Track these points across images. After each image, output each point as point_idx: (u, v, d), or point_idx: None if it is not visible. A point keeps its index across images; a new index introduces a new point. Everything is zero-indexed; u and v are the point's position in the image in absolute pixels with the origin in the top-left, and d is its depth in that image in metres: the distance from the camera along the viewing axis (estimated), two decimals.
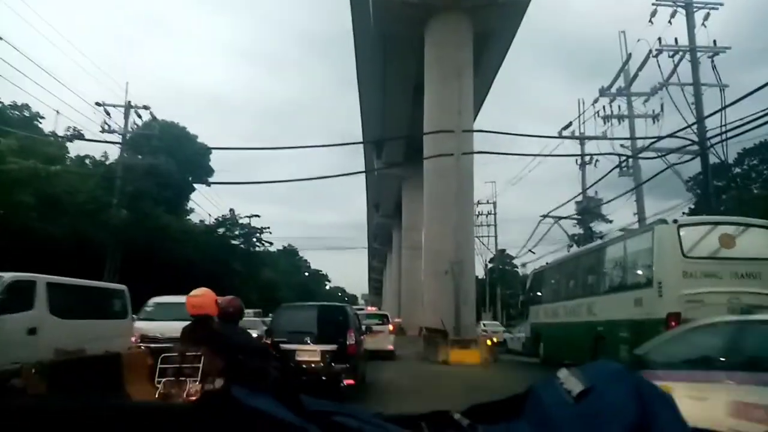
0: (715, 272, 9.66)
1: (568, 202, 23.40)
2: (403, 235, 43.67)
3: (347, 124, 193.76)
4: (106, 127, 25.87)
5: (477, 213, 34.10)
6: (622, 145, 22.44)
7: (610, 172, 21.82)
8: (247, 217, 38.15)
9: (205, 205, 54.45)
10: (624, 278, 11.93)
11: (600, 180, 23.51)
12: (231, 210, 38.57)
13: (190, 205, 41.74)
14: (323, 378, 8.74)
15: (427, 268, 19.57)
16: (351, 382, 9.00)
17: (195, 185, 41.11)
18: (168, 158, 36.83)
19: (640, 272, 11.17)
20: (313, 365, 8.78)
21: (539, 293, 18.00)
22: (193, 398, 4.27)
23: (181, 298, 6.50)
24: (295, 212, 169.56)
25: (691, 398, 4.06)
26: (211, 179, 42.63)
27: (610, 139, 23.23)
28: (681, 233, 10.01)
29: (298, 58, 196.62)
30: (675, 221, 10.53)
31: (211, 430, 0.91)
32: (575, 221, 27.03)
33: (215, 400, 0.96)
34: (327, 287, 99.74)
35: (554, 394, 1.18)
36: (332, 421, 0.98)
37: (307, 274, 80.00)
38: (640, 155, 19.62)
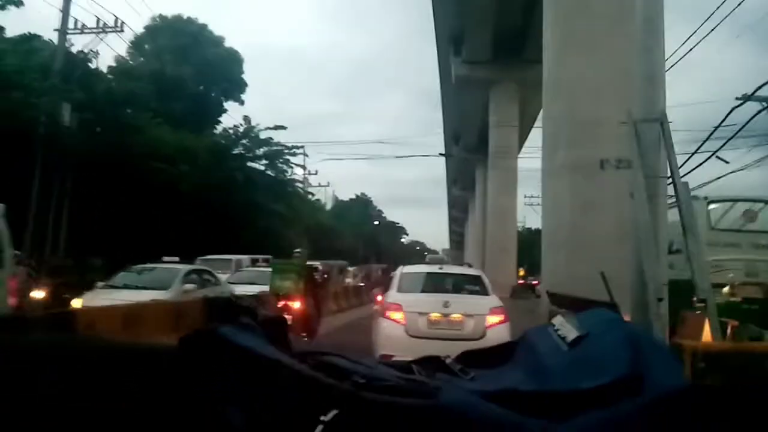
0: (736, 242, 11.06)
1: None
2: (490, 165, 32.96)
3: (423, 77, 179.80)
4: None
5: None
6: None
7: None
8: (270, 128, 25.71)
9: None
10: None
11: None
12: (246, 118, 26.52)
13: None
14: None
15: (551, 159, 9.53)
16: None
17: (223, 102, 32.83)
18: (179, 61, 28.39)
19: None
20: None
21: None
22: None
23: None
24: (379, 169, 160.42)
25: None
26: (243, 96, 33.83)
27: None
28: (709, 208, 11.43)
29: (375, 12, 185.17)
30: (705, 198, 11.75)
31: (198, 368, 0.91)
32: None
33: (202, 338, 0.95)
34: (403, 241, 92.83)
35: (548, 340, 1.27)
36: (322, 360, 1.00)
37: (377, 223, 71.22)
38: None
